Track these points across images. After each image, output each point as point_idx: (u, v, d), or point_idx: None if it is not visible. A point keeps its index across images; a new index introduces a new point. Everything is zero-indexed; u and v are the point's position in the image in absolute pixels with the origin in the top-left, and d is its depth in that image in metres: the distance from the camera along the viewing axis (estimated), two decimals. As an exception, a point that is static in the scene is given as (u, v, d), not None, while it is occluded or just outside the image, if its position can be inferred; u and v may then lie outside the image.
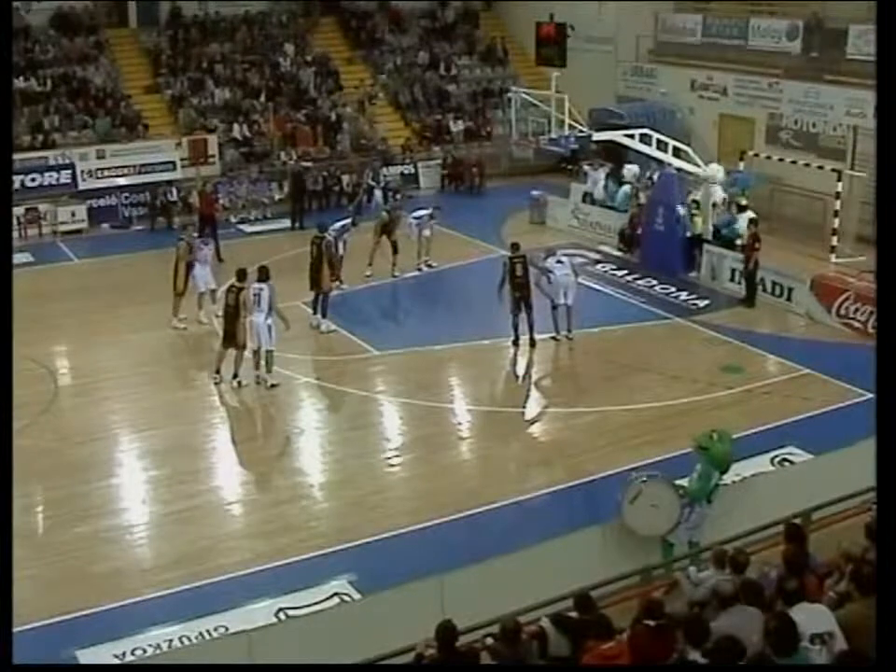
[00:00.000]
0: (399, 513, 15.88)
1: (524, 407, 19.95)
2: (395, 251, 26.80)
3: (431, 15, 43.87)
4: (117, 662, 12.42)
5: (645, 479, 13.39)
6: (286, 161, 35.68)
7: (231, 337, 20.46)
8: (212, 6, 40.74)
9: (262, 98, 38.06)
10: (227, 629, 12.89)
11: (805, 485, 13.80)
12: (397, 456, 17.75)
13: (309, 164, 34.70)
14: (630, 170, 30.51)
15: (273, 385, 20.35)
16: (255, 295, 20.04)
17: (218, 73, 38.59)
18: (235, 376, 20.47)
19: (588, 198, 31.50)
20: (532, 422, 19.49)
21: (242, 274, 20.58)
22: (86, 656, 12.57)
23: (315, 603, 13.46)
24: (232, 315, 20.34)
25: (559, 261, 22.36)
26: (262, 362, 20.46)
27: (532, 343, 21.97)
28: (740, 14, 34.74)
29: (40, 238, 31.97)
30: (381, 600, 12.27)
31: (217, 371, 20.70)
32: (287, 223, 32.94)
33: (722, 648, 8.11)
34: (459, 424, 19.27)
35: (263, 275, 20.36)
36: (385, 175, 36.12)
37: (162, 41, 39.47)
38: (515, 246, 22.19)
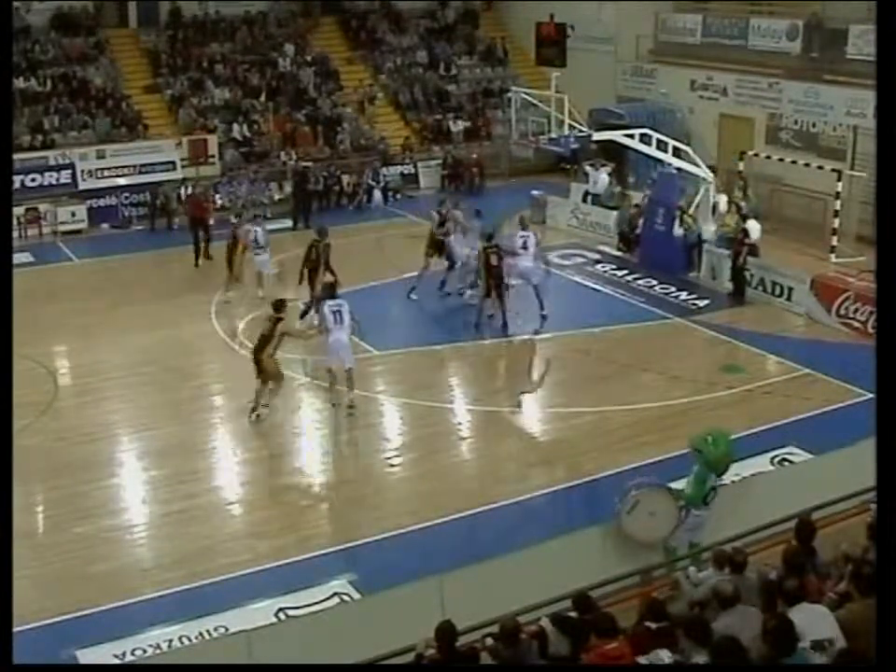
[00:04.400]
0: (399, 513, 15.87)
1: (523, 407, 19.96)
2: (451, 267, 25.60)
3: (431, 15, 43.89)
4: (117, 662, 12.42)
5: (641, 488, 13.34)
6: (286, 160, 35.71)
7: (262, 370, 18.88)
8: (211, 6, 40.76)
9: (262, 98, 38.08)
10: (227, 629, 12.89)
11: (805, 485, 13.79)
12: (396, 456, 17.75)
13: (310, 164, 34.69)
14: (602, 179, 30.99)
15: (352, 407, 19.21)
16: (334, 312, 18.90)
17: (218, 73, 38.60)
18: (254, 410, 19.02)
19: (589, 198, 31.56)
20: (532, 422, 19.48)
21: (280, 305, 18.96)
22: (86, 656, 12.56)
23: (315, 603, 13.46)
24: (260, 346, 18.84)
25: (524, 246, 23.17)
26: (347, 381, 19.26)
27: (504, 329, 22.55)
28: (740, 14, 34.75)
29: (40, 238, 31.95)
30: (381, 600, 12.27)
31: (255, 409, 19.00)
32: (287, 223, 32.96)
33: (723, 648, 8.11)
34: (459, 424, 19.27)
35: (333, 291, 19.65)
36: (384, 175, 36.18)
37: (162, 41, 39.48)
38: (489, 237, 22.75)
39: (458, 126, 39.24)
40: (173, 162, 34.59)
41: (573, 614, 9.89)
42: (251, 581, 14.18)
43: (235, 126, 36.65)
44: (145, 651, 12.61)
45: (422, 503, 16.14)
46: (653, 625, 9.31)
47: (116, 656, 12.59)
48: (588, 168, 32.38)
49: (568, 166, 35.58)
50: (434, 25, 43.51)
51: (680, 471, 14.81)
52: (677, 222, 26.26)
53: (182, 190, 33.04)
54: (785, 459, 16.64)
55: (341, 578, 14.05)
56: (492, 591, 11.75)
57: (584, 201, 31.56)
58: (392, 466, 17.47)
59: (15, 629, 13.05)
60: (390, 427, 19.41)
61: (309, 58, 40.43)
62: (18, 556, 14.80)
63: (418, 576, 12.37)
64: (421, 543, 14.92)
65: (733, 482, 14.75)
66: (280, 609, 13.37)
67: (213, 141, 35.56)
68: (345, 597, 13.60)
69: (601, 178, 31.79)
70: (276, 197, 34.86)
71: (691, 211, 26.69)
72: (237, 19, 40.91)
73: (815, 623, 8.62)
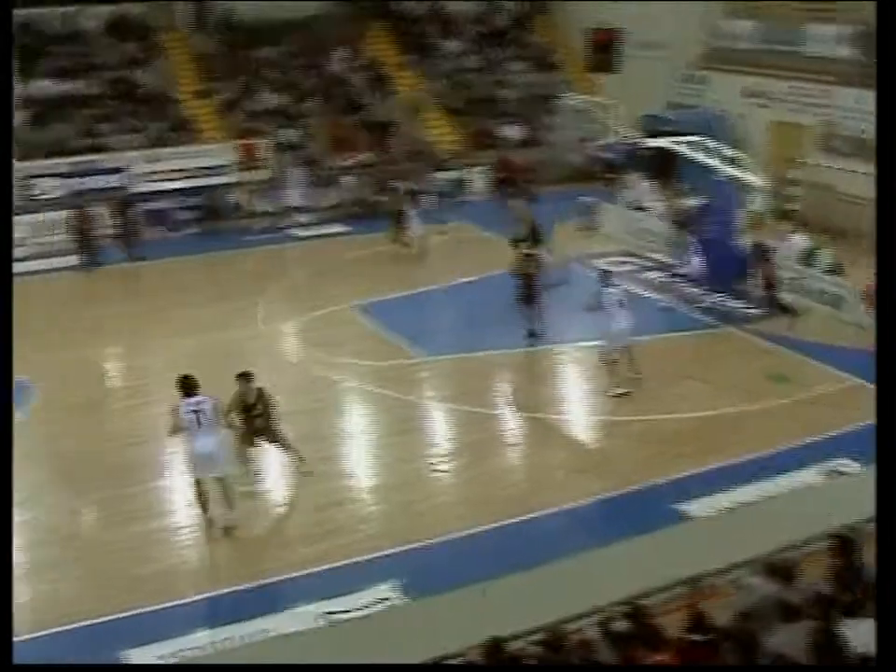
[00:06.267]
0: (446, 519, 15.84)
1: (570, 414, 19.87)
2: None
3: (483, 20, 43.87)
4: (160, 663, 12.46)
5: None
6: (336, 165, 35.78)
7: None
8: (264, 10, 40.83)
9: (313, 103, 38.19)
10: (273, 632, 12.91)
11: (857, 497, 13.64)
12: (443, 462, 17.71)
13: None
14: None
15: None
16: (194, 411, 15.31)
17: (270, 77, 38.75)
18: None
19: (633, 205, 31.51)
20: (578, 429, 19.38)
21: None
22: (131, 657, 12.62)
23: (361, 607, 13.46)
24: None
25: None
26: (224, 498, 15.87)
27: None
28: (794, 20, 34.48)
29: (93, 241, 32.01)
30: (426, 605, 12.26)
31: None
32: (340, 227, 33.12)
33: None
34: (506, 430, 19.22)
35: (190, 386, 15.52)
36: (434, 181, 36.17)
37: (215, 45, 39.68)
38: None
39: (509, 132, 39.19)
40: (224, 167, 34.78)
41: (621, 623, 9.81)
42: (297, 584, 14.20)
43: (286, 131, 36.78)
44: (189, 653, 12.65)
45: (468, 509, 16.12)
46: (699, 638, 9.22)
47: (160, 657, 12.64)
48: (628, 176, 32.27)
49: (610, 175, 35.53)
50: (486, 30, 43.47)
51: (732, 481, 14.74)
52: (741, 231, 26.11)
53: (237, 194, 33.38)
54: (836, 471, 16.46)
55: (386, 582, 14.02)
56: (537, 598, 11.70)
57: (633, 208, 31.42)
58: (439, 471, 17.45)
59: (61, 628, 13.26)
60: (437, 433, 19.40)
61: (360, 63, 40.53)
62: (66, 557, 14.99)
63: (464, 582, 12.34)
64: (467, 549, 14.87)
65: (783, 493, 14.61)
66: (326, 613, 13.36)
67: (264, 145, 35.72)
68: (391, 602, 13.58)
69: (641, 186, 31.71)
70: (327, 202, 34.87)
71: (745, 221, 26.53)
72: (289, 23, 41.01)
73: (865, 637, 8.50)
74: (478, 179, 37.70)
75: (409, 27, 42.58)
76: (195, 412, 15.23)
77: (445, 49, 42.23)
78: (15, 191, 32.82)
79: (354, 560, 14.69)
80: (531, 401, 20.48)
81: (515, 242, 24.70)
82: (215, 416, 15.46)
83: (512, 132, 39.22)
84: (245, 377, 16.66)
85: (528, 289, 22.81)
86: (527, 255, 23.26)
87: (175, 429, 15.39)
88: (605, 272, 21.15)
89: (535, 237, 25.34)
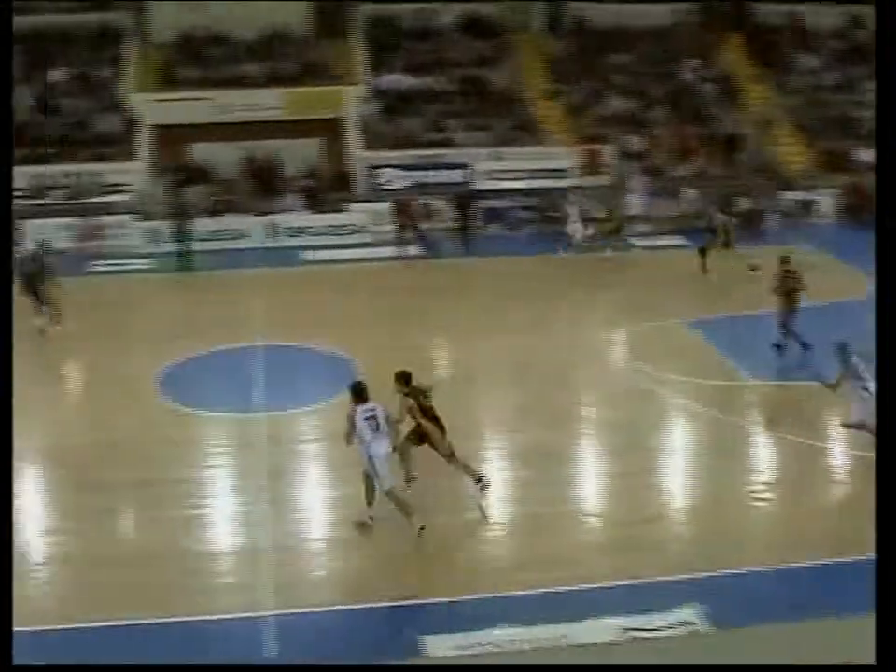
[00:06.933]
0: (761, 550, 15.20)
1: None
2: None
3: (843, 35, 42.24)
4: (456, 653, 12.45)
5: None
6: (678, 176, 35.28)
7: None
8: (618, 15, 40.67)
9: (661, 111, 37.78)
10: (570, 640, 12.69)
11: None
12: (765, 491, 16.99)
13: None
14: None
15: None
16: (368, 418, 15.16)
17: (618, 83, 38.60)
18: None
19: None
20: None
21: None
22: (430, 642, 12.69)
23: (663, 628, 13.05)
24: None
25: None
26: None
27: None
28: None
29: (431, 233, 32.70)
30: (730, 637, 11.74)
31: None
32: (678, 240, 32.54)
33: None
34: (833, 465, 18.30)
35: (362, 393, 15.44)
36: (781, 200, 35.07)
37: (565, 48, 39.85)
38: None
39: (864, 155, 37.50)
40: (565, 170, 34.89)
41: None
42: (600, 595, 13.90)
43: (631, 137, 36.53)
44: (486, 648, 12.59)
45: (785, 543, 15.41)
46: None
47: (456, 647, 12.63)
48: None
49: None
50: (845, 46, 41.85)
51: None
52: None
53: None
54: None
55: (691, 606, 13.55)
56: (846, 647, 11.02)
57: None
58: (759, 500, 16.76)
59: (364, 605, 13.50)
60: (760, 460, 18.69)
61: (712, 73, 39.83)
62: (368, 538, 15.22)
63: (769, 618, 11.78)
64: (779, 584, 14.20)
65: None
66: (626, 629, 13.03)
67: (607, 151, 35.59)
68: (694, 627, 13.12)
69: None
70: (672, 213, 34.36)
71: None
72: (641, 30, 40.76)
73: None
74: (826, 202, 36.28)
75: (765, 40, 41.47)
76: (368, 418, 15.08)
77: (802, 63, 40.95)
78: (361, 180, 34.02)
79: (661, 579, 14.30)
80: (862, 438, 19.49)
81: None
82: (386, 424, 15.25)
83: (868, 155, 37.53)
84: (402, 378, 16.07)
85: (791, 306, 22.22)
86: (787, 272, 22.25)
87: (350, 435, 15.18)
88: (843, 346, 17.78)
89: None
